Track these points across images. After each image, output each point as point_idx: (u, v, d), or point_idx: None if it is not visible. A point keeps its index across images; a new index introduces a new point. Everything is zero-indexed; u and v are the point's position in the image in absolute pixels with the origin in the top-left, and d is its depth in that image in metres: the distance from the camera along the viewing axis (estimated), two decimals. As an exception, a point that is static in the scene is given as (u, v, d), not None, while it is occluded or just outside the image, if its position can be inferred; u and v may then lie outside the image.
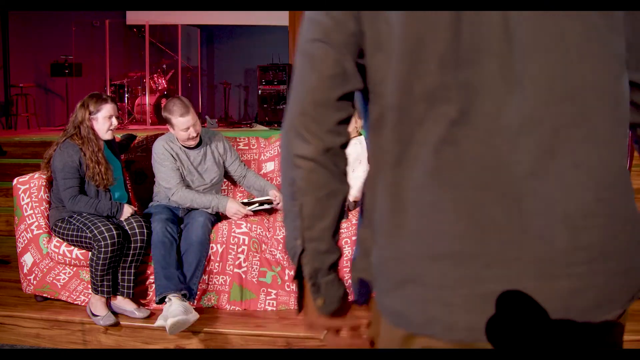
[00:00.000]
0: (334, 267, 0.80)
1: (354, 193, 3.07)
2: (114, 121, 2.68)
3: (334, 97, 0.74)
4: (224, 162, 3.02)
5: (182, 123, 2.73)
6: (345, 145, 0.77)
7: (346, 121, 0.76)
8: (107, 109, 2.65)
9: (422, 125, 0.70)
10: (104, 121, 2.64)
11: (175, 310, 2.34)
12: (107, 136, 2.68)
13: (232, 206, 2.74)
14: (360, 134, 3.11)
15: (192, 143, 2.83)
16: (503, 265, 0.67)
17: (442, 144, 0.68)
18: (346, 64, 0.74)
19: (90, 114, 2.62)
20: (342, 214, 0.78)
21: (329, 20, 0.78)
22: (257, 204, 2.88)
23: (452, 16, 0.68)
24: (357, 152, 3.15)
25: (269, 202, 2.91)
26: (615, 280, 0.70)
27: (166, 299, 2.43)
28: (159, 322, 2.38)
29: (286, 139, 0.77)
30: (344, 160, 0.78)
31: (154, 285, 2.65)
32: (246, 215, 2.81)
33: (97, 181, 2.59)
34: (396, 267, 0.72)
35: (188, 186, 2.83)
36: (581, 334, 0.70)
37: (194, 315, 2.39)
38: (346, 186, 0.77)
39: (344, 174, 0.77)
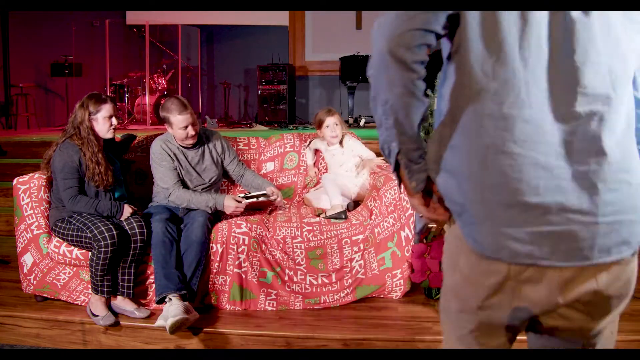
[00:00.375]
0: (421, 158, 1.06)
1: (356, 191, 3.08)
2: (114, 121, 2.68)
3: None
4: (222, 162, 3.02)
5: (181, 121, 2.73)
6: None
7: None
8: (107, 109, 2.65)
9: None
10: (104, 121, 2.64)
11: (175, 310, 2.34)
12: (108, 135, 2.68)
13: (229, 203, 2.75)
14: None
15: (191, 142, 2.83)
16: (555, 213, 0.94)
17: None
18: None
19: (89, 114, 2.62)
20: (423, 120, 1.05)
21: None
22: (254, 198, 2.87)
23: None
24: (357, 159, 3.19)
25: (266, 195, 2.90)
26: (631, 228, 0.98)
27: (166, 299, 2.43)
28: (159, 322, 2.38)
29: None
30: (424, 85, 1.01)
31: (154, 285, 2.65)
32: (245, 208, 2.83)
33: (97, 182, 2.59)
34: (479, 209, 0.98)
35: (185, 186, 2.84)
36: (607, 267, 0.98)
37: (193, 315, 2.39)
38: (426, 102, 1.02)
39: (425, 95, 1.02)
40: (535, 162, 0.94)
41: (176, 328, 2.31)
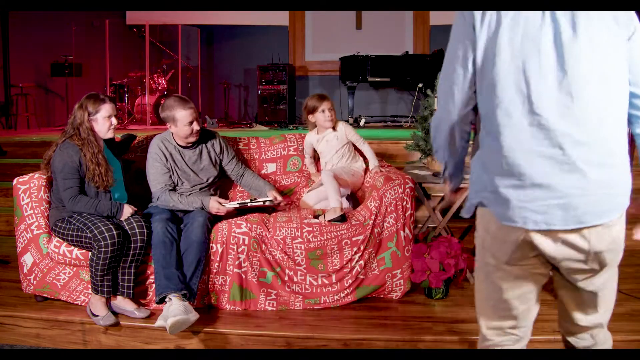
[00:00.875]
0: (460, 170, 1.56)
1: (352, 180, 3.12)
2: (114, 120, 2.68)
3: None
4: (220, 162, 3.02)
5: (186, 116, 2.73)
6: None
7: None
8: (106, 108, 2.64)
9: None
10: (103, 121, 2.64)
11: (175, 310, 2.34)
12: (108, 135, 2.68)
13: (213, 205, 2.75)
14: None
15: (194, 139, 2.83)
16: (560, 192, 1.26)
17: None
18: None
19: (89, 115, 2.62)
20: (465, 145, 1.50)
21: None
22: (260, 202, 2.87)
23: None
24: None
25: (270, 201, 2.90)
26: (616, 199, 1.30)
27: (166, 299, 2.43)
28: (159, 322, 2.37)
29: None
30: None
31: (154, 285, 2.65)
32: (243, 209, 2.84)
33: (97, 182, 2.59)
34: (505, 192, 1.31)
35: (182, 186, 2.85)
36: (602, 226, 1.29)
37: (194, 315, 2.39)
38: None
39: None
40: (544, 154, 1.27)
41: (176, 328, 2.31)
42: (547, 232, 1.30)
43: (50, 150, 2.67)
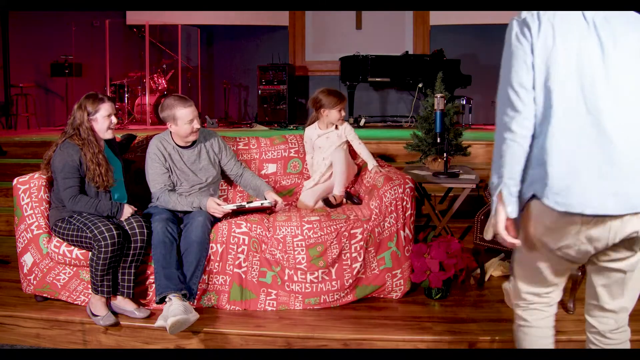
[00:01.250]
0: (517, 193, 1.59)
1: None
2: (113, 119, 2.68)
3: None
4: (219, 161, 3.02)
5: (187, 114, 2.73)
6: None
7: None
8: (105, 108, 2.64)
9: None
10: (103, 121, 2.64)
11: (175, 310, 2.34)
12: (107, 135, 2.68)
13: (211, 205, 2.74)
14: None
15: (194, 137, 2.83)
16: (614, 181, 1.44)
17: None
18: None
19: (88, 114, 2.61)
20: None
21: None
22: (258, 204, 2.87)
23: None
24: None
25: (269, 203, 2.90)
26: None
27: (166, 299, 2.43)
28: (159, 322, 2.37)
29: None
30: None
31: (154, 285, 2.65)
32: (242, 213, 2.83)
33: (97, 183, 2.59)
34: (561, 182, 1.46)
35: (181, 186, 2.85)
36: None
37: (194, 315, 2.39)
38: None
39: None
40: (596, 149, 1.45)
41: (176, 328, 2.32)
42: (601, 218, 1.45)
43: (50, 150, 2.66)
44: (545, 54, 1.49)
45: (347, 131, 3.26)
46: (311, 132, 3.31)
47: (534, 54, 1.49)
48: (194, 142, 2.89)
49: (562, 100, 1.47)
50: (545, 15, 1.50)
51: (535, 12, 1.52)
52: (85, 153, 2.57)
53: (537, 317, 1.72)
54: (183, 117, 2.73)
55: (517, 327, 1.77)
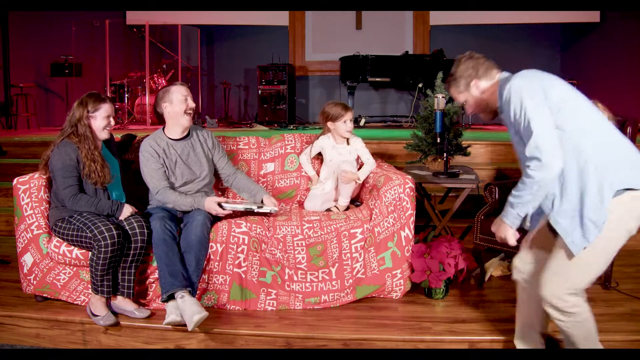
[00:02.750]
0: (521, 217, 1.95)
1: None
2: (112, 121, 2.69)
3: None
4: (212, 157, 3.01)
5: (181, 90, 2.82)
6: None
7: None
8: (106, 109, 2.65)
9: None
10: (101, 120, 2.64)
11: (193, 307, 2.37)
12: (103, 135, 2.68)
13: (210, 205, 2.74)
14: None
15: (188, 120, 2.85)
16: None
17: None
18: None
19: (88, 112, 2.62)
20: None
21: None
22: (266, 210, 2.84)
23: None
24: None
25: (268, 209, 2.86)
26: None
27: (175, 296, 2.43)
28: (170, 318, 2.37)
29: None
30: None
31: (154, 285, 2.65)
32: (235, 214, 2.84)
33: (93, 179, 2.59)
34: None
35: (172, 187, 2.83)
36: None
37: (205, 312, 2.40)
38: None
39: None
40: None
41: (197, 324, 2.35)
42: None
43: (48, 150, 2.67)
44: (560, 97, 1.89)
45: (358, 147, 3.23)
46: (324, 142, 3.27)
47: (552, 99, 1.90)
48: (187, 135, 2.91)
49: (590, 119, 1.87)
50: None
51: None
52: (81, 149, 2.58)
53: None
54: (177, 92, 2.81)
55: (589, 317, 1.90)
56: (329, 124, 3.21)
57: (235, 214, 2.86)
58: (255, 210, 2.82)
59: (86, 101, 2.63)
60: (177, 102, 2.80)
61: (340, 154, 3.21)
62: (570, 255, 1.82)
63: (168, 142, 2.86)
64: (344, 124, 3.17)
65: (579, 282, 1.84)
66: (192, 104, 2.84)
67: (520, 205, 1.87)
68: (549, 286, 1.86)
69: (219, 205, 2.74)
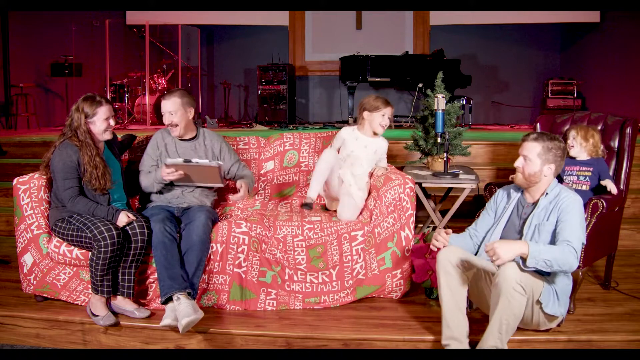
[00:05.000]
0: None
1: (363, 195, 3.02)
2: (112, 122, 2.67)
3: None
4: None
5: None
6: None
7: None
8: (103, 111, 2.62)
9: None
10: (101, 124, 2.62)
11: (186, 310, 2.35)
12: (106, 136, 2.67)
13: (162, 171, 2.70)
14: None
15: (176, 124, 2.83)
16: None
17: None
18: None
19: (86, 117, 2.60)
20: None
21: None
22: (204, 162, 2.72)
23: None
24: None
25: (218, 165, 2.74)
26: None
27: (173, 298, 2.43)
28: (165, 322, 2.37)
29: None
30: None
31: (154, 285, 2.65)
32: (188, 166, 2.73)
33: (94, 185, 2.58)
34: None
35: (170, 183, 2.82)
36: None
37: (200, 313, 2.40)
38: None
39: None
40: None
41: (187, 327, 2.33)
42: None
43: (49, 152, 2.66)
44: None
45: (383, 146, 3.13)
46: (347, 133, 3.12)
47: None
48: (194, 137, 2.92)
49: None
50: None
51: None
52: (83, 155, 2.57)
53: None
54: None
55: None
56: (365, 113, 3.06)
57: (236, 212, 2.86)
58: (193, 161, 2.69)
59: (82, 106, 2.60)
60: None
61: (365, 146, 3.07)
62: None
63: (173, 140, 2.91)
64: (382, 117, 3.03)
65: None
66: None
67: (548, 263, 2.05)
68: None
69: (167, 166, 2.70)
